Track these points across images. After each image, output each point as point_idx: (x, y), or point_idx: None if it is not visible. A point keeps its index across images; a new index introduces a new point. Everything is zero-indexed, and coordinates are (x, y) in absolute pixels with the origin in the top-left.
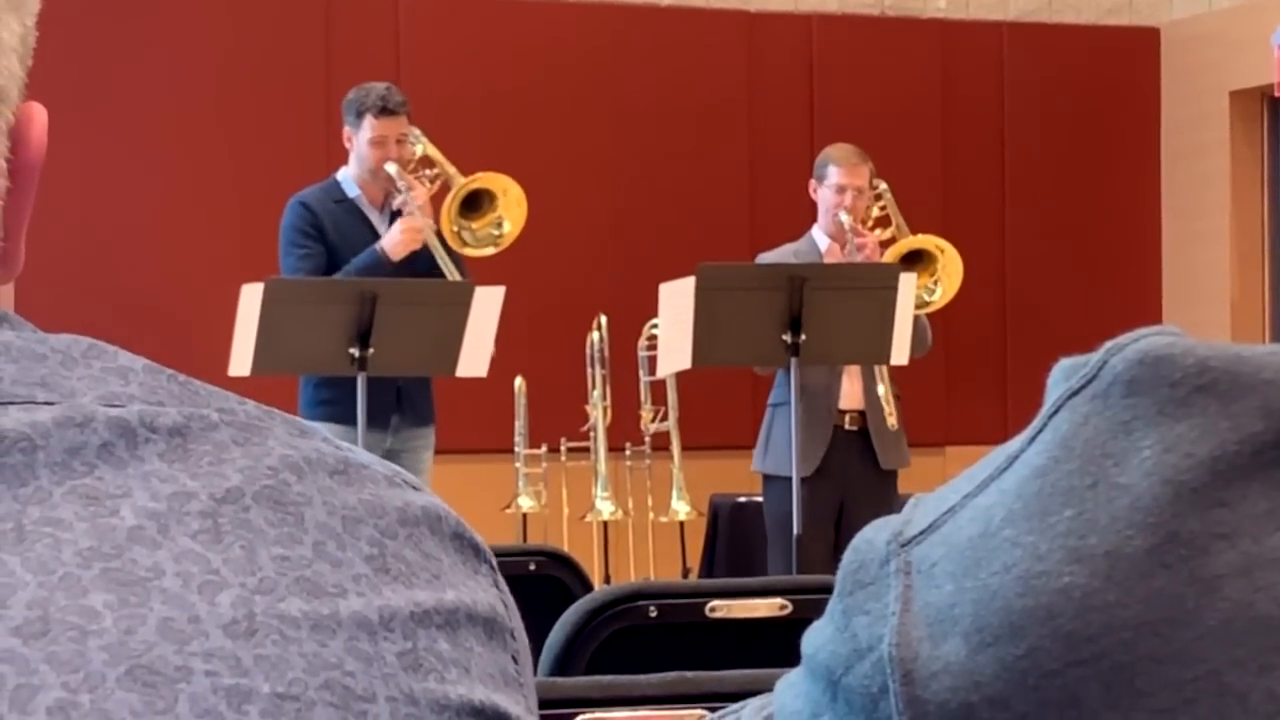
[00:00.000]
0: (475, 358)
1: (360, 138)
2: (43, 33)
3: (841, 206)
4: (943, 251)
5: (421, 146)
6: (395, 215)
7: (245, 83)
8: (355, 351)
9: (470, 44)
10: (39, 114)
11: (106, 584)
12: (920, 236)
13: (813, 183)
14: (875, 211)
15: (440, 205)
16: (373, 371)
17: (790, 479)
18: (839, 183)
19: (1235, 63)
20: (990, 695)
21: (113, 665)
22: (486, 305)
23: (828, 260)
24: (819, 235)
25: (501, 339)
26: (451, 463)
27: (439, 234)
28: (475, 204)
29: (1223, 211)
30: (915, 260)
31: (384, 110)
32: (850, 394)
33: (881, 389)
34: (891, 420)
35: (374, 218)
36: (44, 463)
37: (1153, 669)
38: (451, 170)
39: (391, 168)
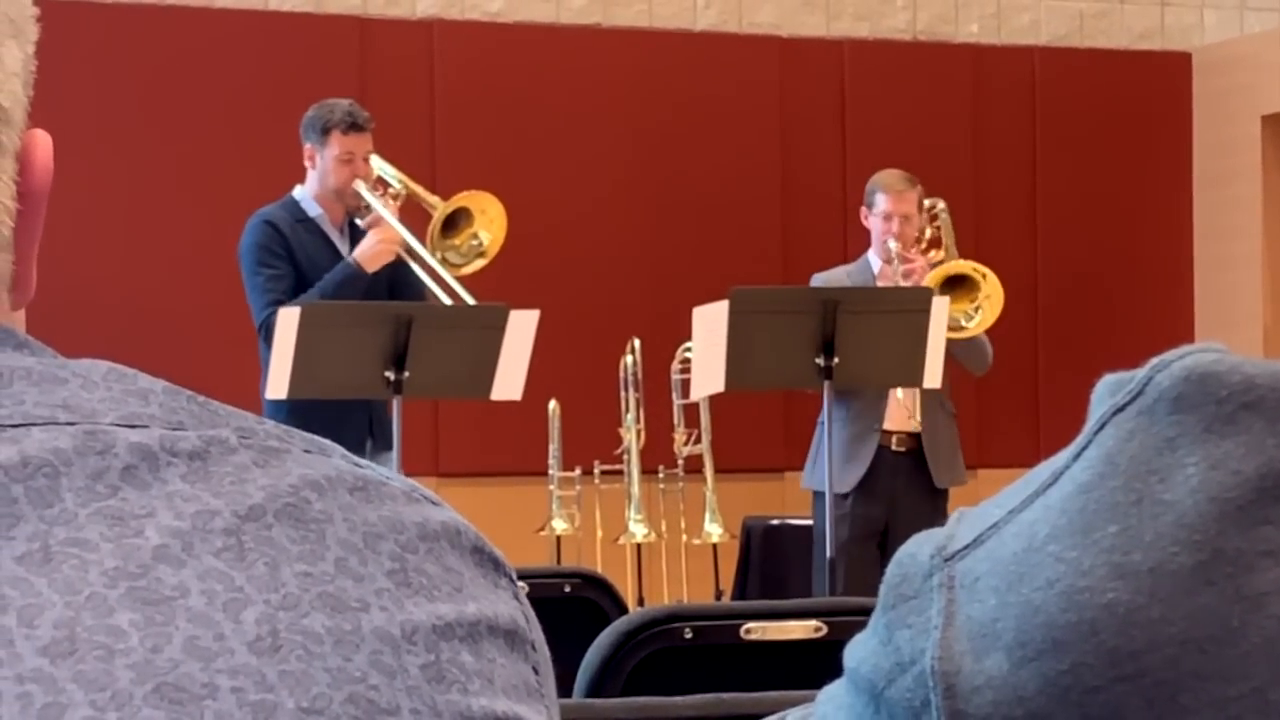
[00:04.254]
0: (510, 381)
1: (326, 155)
2: (75, 57)
3: (890, 234)
4: (984, 278)
5: (391, 174)
6: (355, 235)
7: (278, 112)
8: (391, 375)
9: (504, 70)
10: (44, 140)
11: (132, 603)
12: (960, 262)
13: (863, 209)
14: (929, 232)
15: (407, 223)
16: (408, 395)
17: (833, 494)
18: (886, 210)
19: (1267, 87)
20: (1033, 710)
21: (139, 683)
22: (521, 329)
23: (880, 283)
24: (873, 258)
25: (536, 362)
26: (486, 485)
27: (407, 247)
28: (452, 224)
29: (1255, 235)
30: (958, 285)
31: (352, 126)
32: (898, 416)
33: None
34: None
35: (335, 238)
36: (68, 486)
37: (1196, 686)
38: (420, 190)
39: (361, 185)
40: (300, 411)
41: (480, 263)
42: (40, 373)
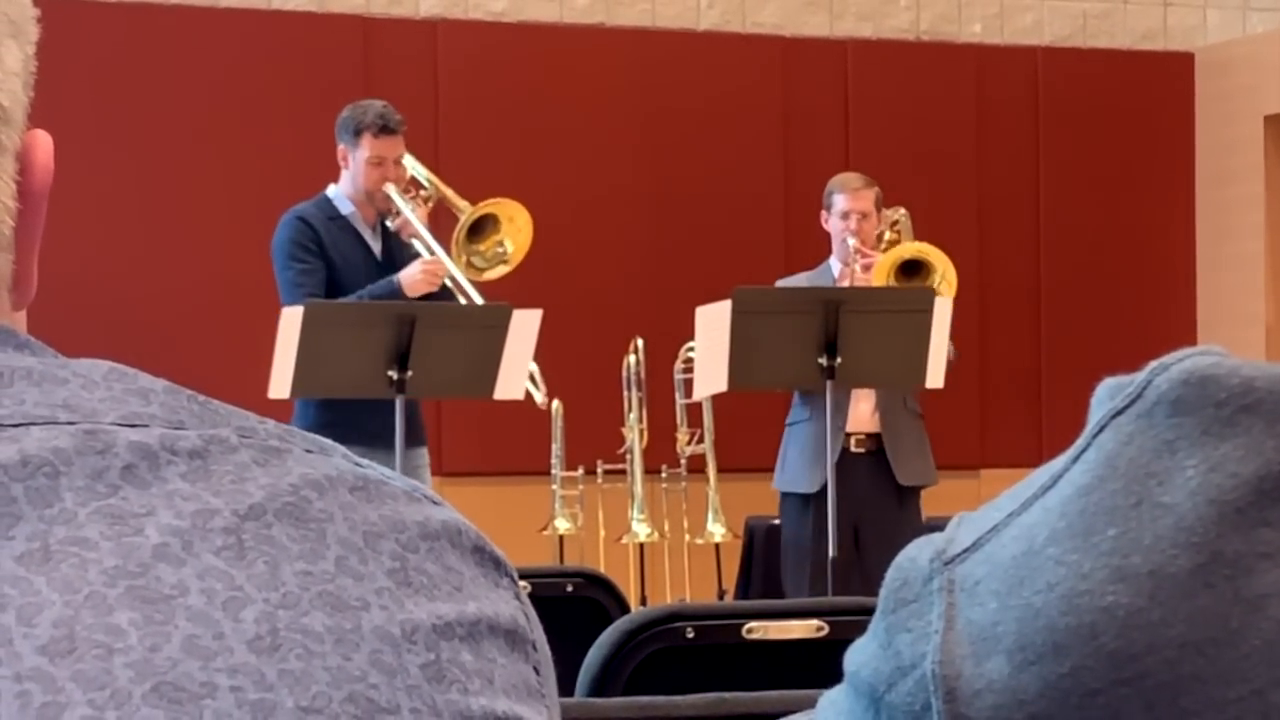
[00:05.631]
0: (512, 380)
1: (357, 156)
2: (78, 56)
3: (848, 231)
4: (929, 254)
5: (423, 175)
6: (386, 234)
7: (282, 111)
8: (394, 374)
9: (508, 70)
10: (44, 140)
11: (132, 602)
12: (905, 245)
13: (823, 214)
14: (888, 235)
15: (437, 224)
16: (411, 394)
17: (799, 496)
18: (843, 209)
19: (1269, 87)
20: (1033, 714)
21: (138, 682)
22: (524, 328)
23: (840, 284)
24: (834, 263)
25: (539, 362)
26: (489, 485)
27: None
28: (479, 228)
29: (1257, 235)
30: (912, 275)
31: (384, 129)
32: (857, 417)
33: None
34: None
35: (367, 235)
36: (68, 486)
37: (1196, 688)
38: (450, 193)
39: (391, 188)
40: (330, 408)
41: (502, 269)
42: (41, 372)
